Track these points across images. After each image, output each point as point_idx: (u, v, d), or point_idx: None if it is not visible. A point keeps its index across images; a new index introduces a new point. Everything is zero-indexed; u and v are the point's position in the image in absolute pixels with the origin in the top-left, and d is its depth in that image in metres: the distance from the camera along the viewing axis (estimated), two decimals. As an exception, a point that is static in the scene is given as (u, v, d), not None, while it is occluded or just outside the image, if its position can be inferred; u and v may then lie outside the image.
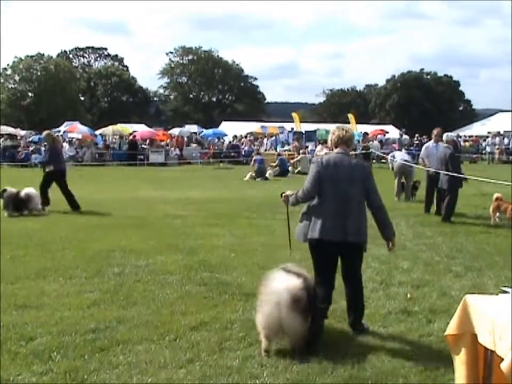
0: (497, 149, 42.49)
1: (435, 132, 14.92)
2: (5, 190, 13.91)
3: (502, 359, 3.11)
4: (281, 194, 6.36)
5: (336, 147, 6.03)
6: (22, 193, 13.97)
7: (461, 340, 3.65)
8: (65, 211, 14.36)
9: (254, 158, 27.80)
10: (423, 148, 15.17)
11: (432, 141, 14.98)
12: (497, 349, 3.22)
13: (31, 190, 14.18)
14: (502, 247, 10.33)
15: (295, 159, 30.26)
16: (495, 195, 13.09)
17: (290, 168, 28.52)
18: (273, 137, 42.16)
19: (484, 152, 44.69)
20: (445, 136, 14.02)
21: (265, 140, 41.84)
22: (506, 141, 44.81)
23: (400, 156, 18.44)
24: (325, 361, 5.13)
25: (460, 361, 3.64)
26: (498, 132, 47.16)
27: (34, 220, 12.84)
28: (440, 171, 13.22)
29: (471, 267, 8.75)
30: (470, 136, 51.56)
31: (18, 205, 13.87)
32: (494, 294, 3.80)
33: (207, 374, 4.87)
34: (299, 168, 28.58)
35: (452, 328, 3.70)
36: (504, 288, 3.89)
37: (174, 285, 7.58)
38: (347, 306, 6.07)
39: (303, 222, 5.96)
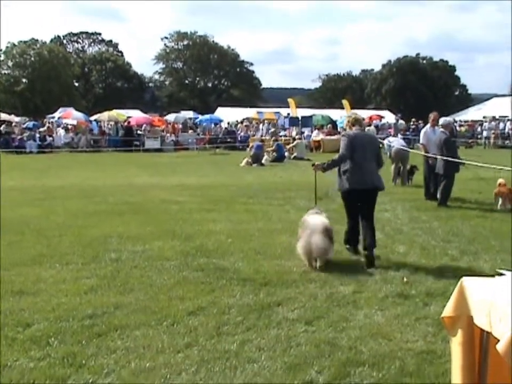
0: (493, 133, 42.55)
1: (432, 116, 14.85)
2: None
3: (498, 341, 3.12)
4: (312, 165, 8.55)
5: (353, 126, 8.33)
6: None
7: (457, 322, 3.66)
8: (62, 197, 14.35)
9: (251, 144, 27.77)
10: (422, 133, 15.08)
11: (429, 125, 14.94)
12: (493, 331, 3.23)
13: None
14: (498, 231, 10.36)
15: (291, 145, 30.21)
16: (499, 180, 13.05)
17: (286, 154, 28.48)
18: (269, 123, 42.07)
19: (479, 137, 44.77)
20: (441, 120, 13.97)
21: (260, 125, 41.75)
22: (502, 125, 44.86)
23: (396, 142, 18.44)
24: (322, 344, 5.16)
25: (457, 343, 3.66)
26: (494, 117, 47.18)
27: (31, 207, 12.81)
28: (437, 156, 13.22)
29: (467, 251, 8.79)
30: (465, 121, 51.57)
31: None
32: (490, 276, 3.81)
33: (205, 358, 4.88)
34: (295, 154, 28.56)
35: (448, 310, 3.71)
36: (500, 271, 3.90)
37: (171, 270, 7.59)
38: (363, 237, 8.13)
39: (341, 177, 8.17)
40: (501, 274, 3.82)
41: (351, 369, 4.69)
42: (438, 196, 13.37)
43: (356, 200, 8.13)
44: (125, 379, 4.51)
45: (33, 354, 4.93)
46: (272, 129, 35.53)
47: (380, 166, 8.38)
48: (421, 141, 14.95)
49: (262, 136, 36.33)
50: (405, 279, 7.16)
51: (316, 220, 7.89)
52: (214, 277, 7.25)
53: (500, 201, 12.76)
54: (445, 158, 12.90)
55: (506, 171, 12.49)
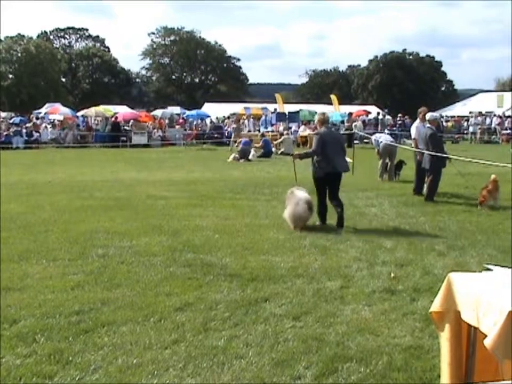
0: (479, 128, 42.79)
1: (421, 111, 14.82)
2: None
3: (486, 336, 3.14)
4: (292, 155, 12.19)
5: (322, 124, 10.52)
6: None
7: (445, 317, 3.67)
8: (48, 193, 14.25)
9: (240, 140, 27.71)
10: (413, 127, 15.05)
11: (418, 120, 14.92)
12: (481, 326, 3.25)
13: None
14: (484, 226, 10.42)
15: (278, 141, 30.20)
16: (492, 176, 12.95)
17: (274, 149, 28.47)
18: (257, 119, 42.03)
19: (466, 132, 44.99)
20: (428, 116, 13.98)
21: (246, 121, 41.61)
22: (488, 120, 45.11)
23: (384, 137, 18.46)
24: (310, 340, 5.16)
25: (445, 338, 3.67)
26: (480, 112, 47.42)
27: (17, 203, 12.71)
28: (425, 151, 13.26)
29: (453, 246, 8.82)
30: (452, 117, 51.80)
31: None
32: (477, 271, 3.82)
33: (192, 354, 4.87)
34: (282, 149, 28.54)
35: (436, 305, 3.72)
36: (487, 266, 3.92)
37: (158, 266, 7.56)
38: (336, 209, 10.19)
39: (315, 166, 10.29)
40: (488, 269, 3.84)
41: (339, 364, 4.69)
42: (425, 191, 13.42)
43: (325, 183, 10.30)
44: (112, 375, 4.49)
45: (19, 351, 4.89)
46: (234, 125, 34.50)
47: (345, 154, 10.66)
48: (412, 136, 14.90)
49: (249, 131, 36.28)
50: (392, 275, 7.17)
51: (300, 193, 10.01)
52: (201, 273, 7.23)
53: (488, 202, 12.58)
54: (433, 153, 12.92)
55: (495, 166, 12.54)
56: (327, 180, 10.26)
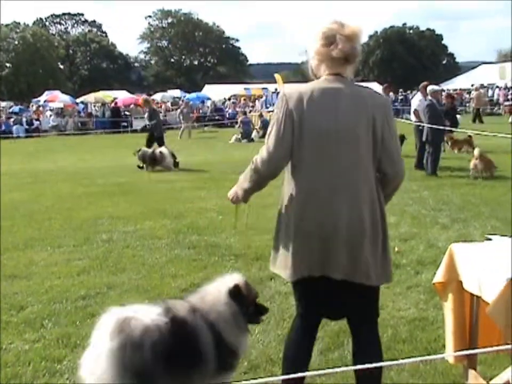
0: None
1: (423, 85, 14.64)
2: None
3: (488, 304, 3.15)
4: None
5: None
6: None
7: (448, 288, 3.69)
8: (51, 181, 14.29)
9: (239, 119, 27.63)
10: (415, 99, 14.99)
11: (419, 94, 14.82)
12: (483, 295, 3.26)
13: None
14: (487, 198, 10.43)
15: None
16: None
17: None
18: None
19: (468, 104, 44.75)
20: (429, 88, 13.91)
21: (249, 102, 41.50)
22: (490, 92, 44.85)
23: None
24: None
25: (448, 308, 3.70)
26: (482, 84, 47.11)
27: (21, 191, 12.75)
28: (425, 124, 13.23)
29: (457, 218, 8.84)
30: (454, 90, 51.46)
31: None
32: (479, 242, 3.84)
33: (199, 334, 4.90)
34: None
35: (438, 276, 3.74)
36: (488, 236, 3.93)
37: (163, 249, 7.59)
38: None
39: None
40: (490, 239, 3.85)
41: (345, 338, 4.71)
42: (428, 165, 13.38)
43: None
44: (120, 357, 4.52)
45: (27, 336, 4.93)
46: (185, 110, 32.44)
47: None
48: (413, 108, 14.80)
49: (250, 112, 36.15)
50: (396, 249, 7.18)
51: None
52: (206, 254, 7.26)
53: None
54: (435, 126, 12.87)
55: (496, 138, 12.52)
56: None
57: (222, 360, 3.30)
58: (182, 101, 44.91)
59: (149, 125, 17.55)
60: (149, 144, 16.76)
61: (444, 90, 45.45)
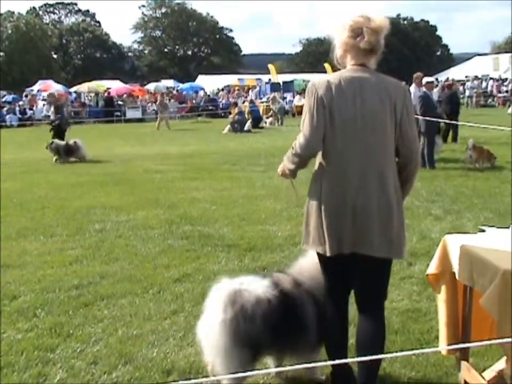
0: (475, 92, 42.60)
1: (417, 77, 14.62)
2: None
3: (481, 295, 3.16)
4: None
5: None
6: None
7: (441, 279, 3.70)
8: (44, 170, 14.23)
9: (236, 111, 27.65)
10: (412, 93, 14.96)
11: (414, 85, 14.81)
12: (476, 286, 3.27)
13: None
14: (480, 189, 10.45)
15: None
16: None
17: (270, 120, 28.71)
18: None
19: (462, 96, 44.77)
20: (423, 80, 13.89)
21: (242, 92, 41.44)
22: (484, 84, 44.90)
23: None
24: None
25: (441, 300, 3.71)
26: (476, 76, 47.17)
27: (13, 181, 12.69)
28: (419, 116, 13.22)
29: (450, 210, 8.85)
30: (445, 81, 51.47)
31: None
32: (473, 233, 3.84)
33: (191, 324, 4.88)
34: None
35: (432, 268, 3.74)
36: (481, 227, 3.94)
37: (156, 239, 7.58)
38: None
39: None
40: (483, 231, 3.86)
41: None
42: (426, 160, 13.32)
43: None
44: (113, 346, 4.52)
45: (20, 326, 4.92)
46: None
47: None
48: (413, 102, 14.79)
49: (243, 102, 36.08)
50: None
51: None
52: (199, 244, 7.25)
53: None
54: (429, 119, 12.86)
55: (491, 130, 12.54)
56: None
57: (323, 332, 3.65)
58: (177, 91, 44.92)
59: (54, 120, 17.93)
60: (60, 137, 16.91)
61: (439, 82, 45.64)
